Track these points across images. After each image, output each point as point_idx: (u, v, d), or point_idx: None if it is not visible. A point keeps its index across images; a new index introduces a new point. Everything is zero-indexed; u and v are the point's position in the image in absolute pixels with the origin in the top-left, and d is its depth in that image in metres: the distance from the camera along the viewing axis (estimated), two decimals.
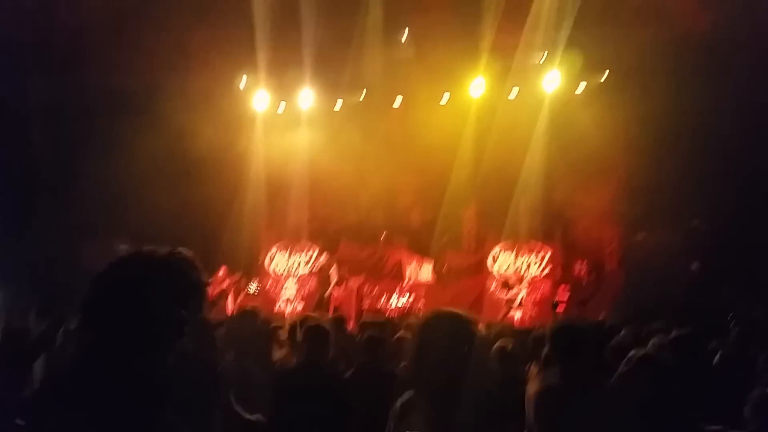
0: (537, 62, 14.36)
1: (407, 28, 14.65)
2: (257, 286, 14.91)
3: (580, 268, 15.02)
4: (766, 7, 11.67)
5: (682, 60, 12.38)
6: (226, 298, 14.11)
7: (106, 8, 12.13)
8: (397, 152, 14.50)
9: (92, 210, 11.90)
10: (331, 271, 13.96)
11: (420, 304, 14.03)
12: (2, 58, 11.52)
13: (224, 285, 14.07)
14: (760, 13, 11.63)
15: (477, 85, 14.77)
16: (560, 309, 13.30)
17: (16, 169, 12.35)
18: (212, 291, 13.99)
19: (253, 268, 15.28)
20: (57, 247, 12.24)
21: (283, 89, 15.54)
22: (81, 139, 12.87)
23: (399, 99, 15.41)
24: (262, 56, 14.51)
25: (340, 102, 15.59)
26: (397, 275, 14.98)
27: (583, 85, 14.54)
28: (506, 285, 13.52)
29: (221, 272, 13.94)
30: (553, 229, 15.12)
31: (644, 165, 12.25)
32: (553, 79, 14.26)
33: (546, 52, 14.10)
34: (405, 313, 13.55)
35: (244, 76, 15.49)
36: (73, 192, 12.31)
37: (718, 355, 4.08)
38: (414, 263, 15.04)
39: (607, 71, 14.10)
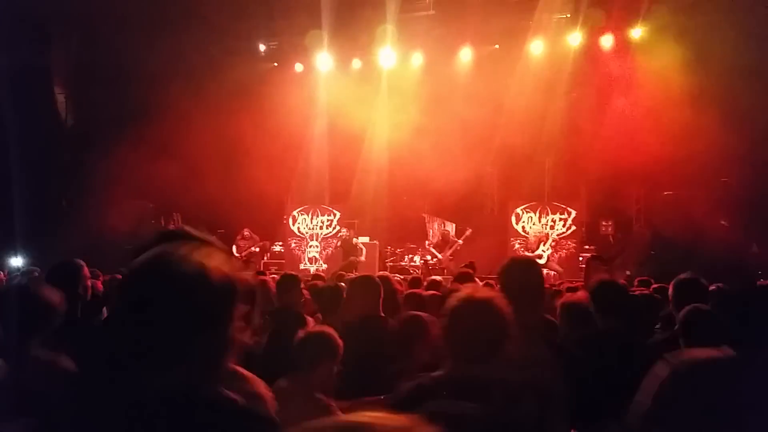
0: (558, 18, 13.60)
1: None
2: (282, 246, 14.60)
3: (606, 227, 14.29)
4: None
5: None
6: (256, 257, 13.86)
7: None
8: (417, 115, 13.86)
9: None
10: (352, 232, 13.47)
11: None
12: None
13: (253, 246, 13.81)
14: None
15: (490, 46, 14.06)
16: (584, 264, 12.66)
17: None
18: (242, 252, 13.78)
19: (276, 229, 14.97)
20: None
21: (301, 52, 15.02)
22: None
23: (419, 56, 14.73)
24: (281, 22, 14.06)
25: (358, 62, 14.98)
26: (420, 235, 14.49)
27: (609, 37, 13.68)
28: (528, 248, 12.96)
29: (246, 233, 13.65)
30: (578, 189, 14.38)
31: (672, 121, 11.44)
32: (576, 35, 13.42)
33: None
34: (429, 270, 13.10)
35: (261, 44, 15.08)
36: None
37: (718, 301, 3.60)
38: (437, 224, 14.52)
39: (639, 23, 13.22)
